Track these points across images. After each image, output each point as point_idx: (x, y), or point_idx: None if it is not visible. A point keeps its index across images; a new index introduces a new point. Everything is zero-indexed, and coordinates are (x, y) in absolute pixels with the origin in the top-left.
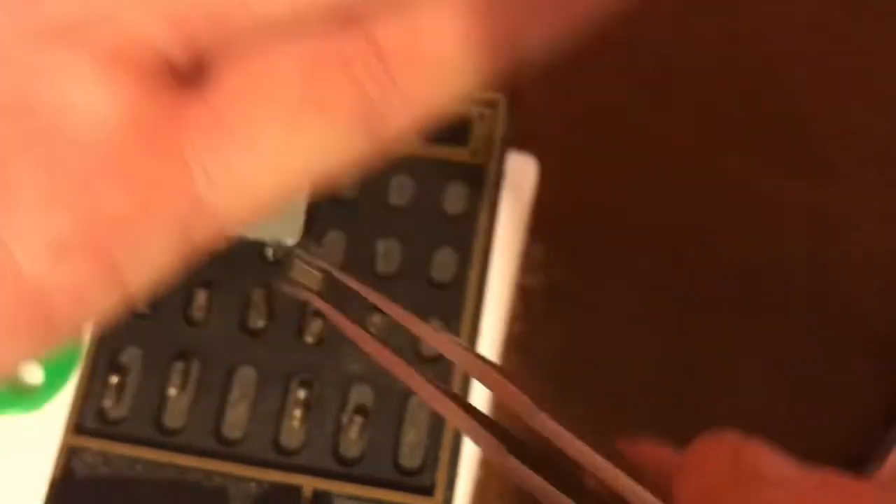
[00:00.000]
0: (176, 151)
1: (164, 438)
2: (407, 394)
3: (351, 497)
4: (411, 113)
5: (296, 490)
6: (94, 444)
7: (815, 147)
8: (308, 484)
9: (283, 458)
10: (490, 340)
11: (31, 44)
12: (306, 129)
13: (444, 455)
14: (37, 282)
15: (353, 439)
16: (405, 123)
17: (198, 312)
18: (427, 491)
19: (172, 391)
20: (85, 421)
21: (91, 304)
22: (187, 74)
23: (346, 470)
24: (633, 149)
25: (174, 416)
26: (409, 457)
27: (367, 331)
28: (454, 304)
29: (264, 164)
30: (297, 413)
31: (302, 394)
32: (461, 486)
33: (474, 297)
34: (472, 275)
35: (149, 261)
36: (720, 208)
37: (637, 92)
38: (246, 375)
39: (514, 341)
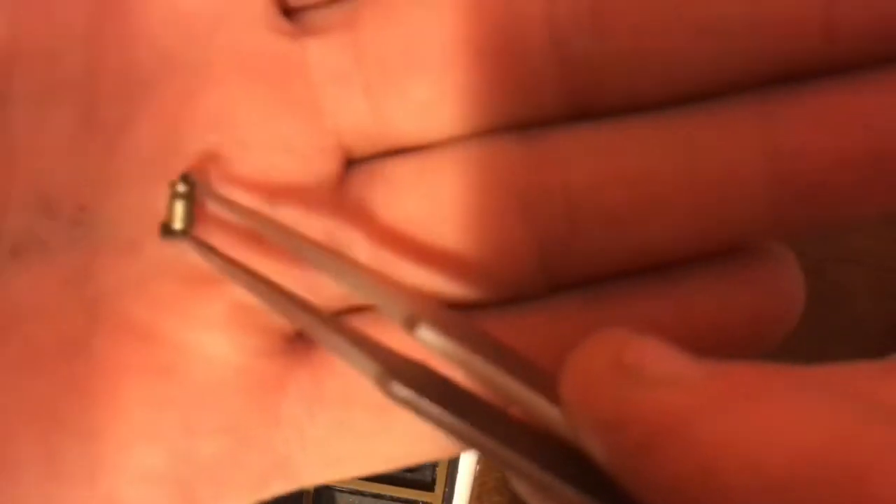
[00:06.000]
0: (275, 410)
1: None
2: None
3: (353, 492)
4: None
5: None
6: None
7: None
8: None
9: None
10: None
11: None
12: (395, 424)
13: None
14: (116, 494)
15: None
16: None
17: None
18: (428, 486)
19: None
20: None
21: None
22: (298, 340)
23: None
24: None
25: None
26: None
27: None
28: None
29: (353, 445)
30: None
31: None
32: (461, 481)
33: None
34: None
35: (223, 499)
36: None
37: None
38: None
39: None
